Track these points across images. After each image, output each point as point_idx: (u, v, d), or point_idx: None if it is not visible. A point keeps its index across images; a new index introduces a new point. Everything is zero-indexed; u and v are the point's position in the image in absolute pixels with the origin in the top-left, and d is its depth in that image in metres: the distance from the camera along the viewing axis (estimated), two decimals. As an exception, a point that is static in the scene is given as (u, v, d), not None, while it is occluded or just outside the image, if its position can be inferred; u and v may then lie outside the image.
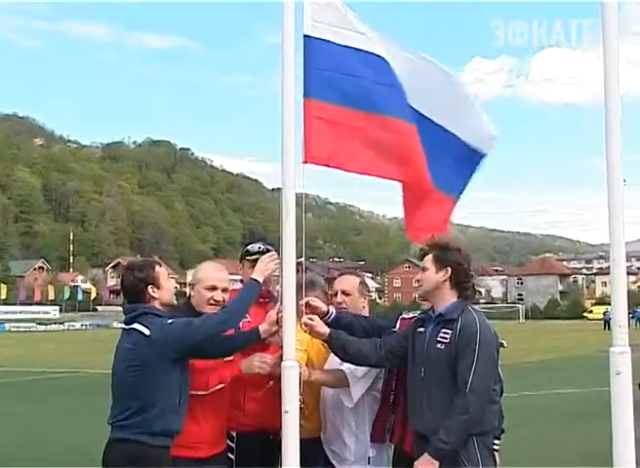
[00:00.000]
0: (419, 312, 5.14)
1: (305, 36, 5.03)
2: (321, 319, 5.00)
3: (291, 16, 4.82)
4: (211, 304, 4.92)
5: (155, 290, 4.65)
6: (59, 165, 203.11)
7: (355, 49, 5.25)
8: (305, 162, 4.77)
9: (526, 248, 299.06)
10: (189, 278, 5.16)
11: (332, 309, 5.14)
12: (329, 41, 5.15)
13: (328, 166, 4.95)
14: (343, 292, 5.50)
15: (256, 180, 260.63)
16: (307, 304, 4.97)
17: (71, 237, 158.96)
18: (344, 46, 5.20)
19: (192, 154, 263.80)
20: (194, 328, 4.51)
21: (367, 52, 5.28)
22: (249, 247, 5.45)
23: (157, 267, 4.74)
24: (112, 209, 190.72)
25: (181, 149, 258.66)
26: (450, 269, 4.65)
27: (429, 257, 4.73)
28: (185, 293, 5.03)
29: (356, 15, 5.26)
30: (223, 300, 4.94)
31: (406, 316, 5.28)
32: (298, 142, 4.68)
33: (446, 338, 4.51)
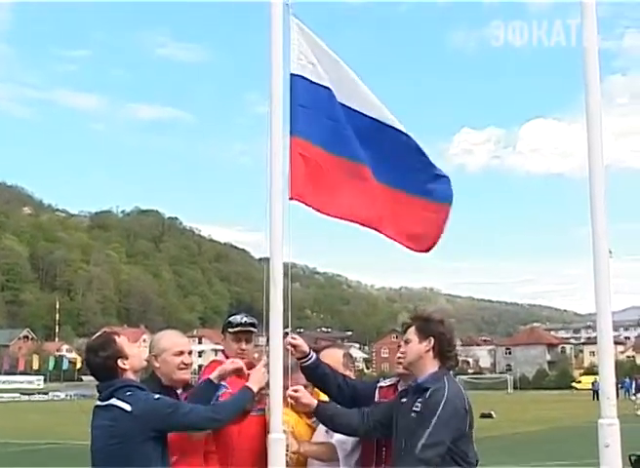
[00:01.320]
0: (394, 379, 5.14)
1: (292, 74, 5.21)
2: (300, 359, 4.99)
3: (279, 84, 4.91)
4: (181, 368, 4.89)
5: (124, 361, 4.53)
6: (46, 234, 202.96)
7: (332, 92, 5.43)
8: (291, 199, 4.87)
9: (514, 318, 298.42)
10: (149, 350, 5.10)
11: (312, 353, 5.12)
12: (312, 81, 5.33)
13: (310, 206, 5.04)
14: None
15: (243, 250, 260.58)
16: (289, 342, 4.94)
17: (57, 306, 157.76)
18: (325, 87, 5.39)
19: (180, 223, 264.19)
20: (181, 414, 4.42)
21: (341, 104, 5.46)
22: (231, 318, 5.42)
23: (117, 338, 4.62)
24: (99, 278, 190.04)
25: (170, 218, 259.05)
26: (433, 339, 4.66)
27: (412, 329, 4.74)
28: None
29: (337, 60, 5.44)
30: (191, 363, 4.95)
31: (383, 384, 5.26)
32: (285, 213, 4.70)
33: (418, 407, 4.50)
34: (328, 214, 5.21)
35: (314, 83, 5.32)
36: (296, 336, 5.06)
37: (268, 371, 4.64)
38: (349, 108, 5.49)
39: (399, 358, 4.91)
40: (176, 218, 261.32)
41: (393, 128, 5.59)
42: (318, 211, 5.14)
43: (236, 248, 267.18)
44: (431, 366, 4.65)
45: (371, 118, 5.53)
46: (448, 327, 4.80)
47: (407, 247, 5.55)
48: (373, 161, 5.46)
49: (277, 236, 4.63)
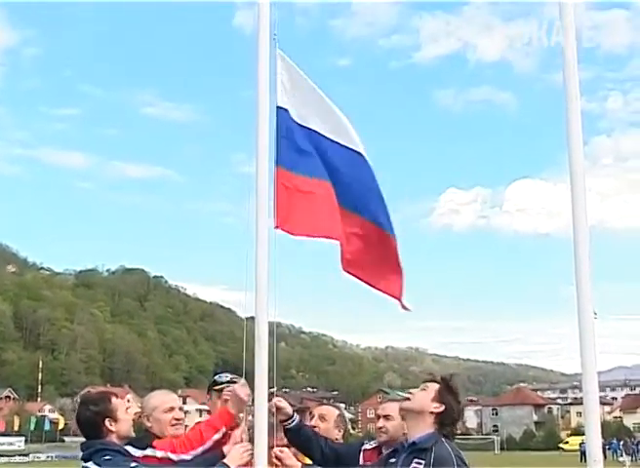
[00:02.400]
0: (377, 442, 5.13)
1: (278, 107, 5.41)
2: (283, 422, 5.00)
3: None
4: (173, 424, 4.95)
5: (112, 423, 4.51)
6: (30, 292, 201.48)
7: (315, 132, 5.62)
8: (277, 228, 4.99)
9: (500, 377, 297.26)
10: (140, 410, 5.14)
11: (296, 416, 5.10)
12: (293, 119, 5.52)
13: (295, 234, 5.18)
14: (321, 417, 5.55)
15: (229, 309, 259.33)
16: (275, 404, 4.95)
17: (40, 365, 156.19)
18: (307, 127, 5.58)
19: (166, 282, 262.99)
20: None
21: (323, 136, 5.64)
22: (217, 377, 5.51)
23: (114, 399, 4.62)
24: (84, 337, 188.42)
25: (155, 277, 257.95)
26: (444, 407, 4.61)
27: (435, 385, 4.69)
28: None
29: (322, 95, 5.62)
30: (183, 418, 5.03)
31: (368, 446, 5.23)
32: (271, 272, 4.70)
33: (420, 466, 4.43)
34: (311, 236, 5.36)
35: (296, 122, 5.53)
36: (281, 399, 5.07)
37: (253, 433, 4.60)
38: (328, 139, 5.68)
39: (402, 407, 4.82)
40: (161, 277, 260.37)
41: (356, 151, 5.76)
42: (303, 235, 5.29)
43: (222, 307, 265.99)
44: (427, 427, 4.59)
45: (348, 149, 5.71)
46: (461, 409, 4.77)
47: (358, 278, 5.66)
48: (339, 186, 5.63)
49: (262, 296, 4.63)
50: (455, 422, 4.71)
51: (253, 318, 4.67)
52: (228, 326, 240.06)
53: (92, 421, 4.50)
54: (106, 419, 4.50)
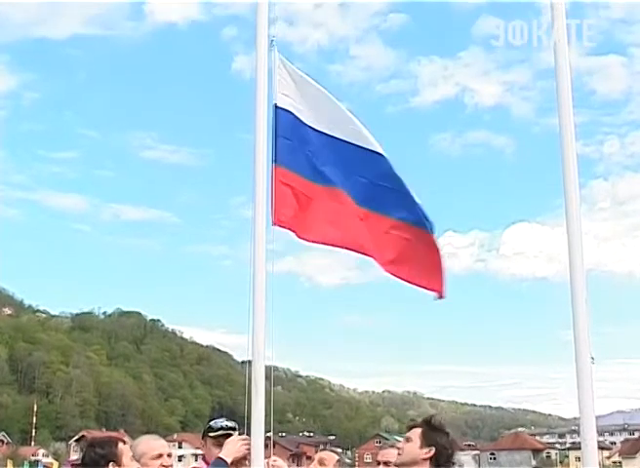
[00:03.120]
0: None
1: (275, 106, 5.45)
2: None
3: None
4: None
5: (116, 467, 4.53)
6: (26, 335, 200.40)
7: (313, 129, 5.66)
8: (274, 224, 5.00)
9: (498, 422, 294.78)
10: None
11: None
12: (294, 115, 5.57)
13: (292, 231, 5.21)
14: (320, 462, 5.64)
15: (226, 353, 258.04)
16: (271, 465, 4.93)
17: (35, 409, 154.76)
18: (305, 124, 5.62)
19: (162, 325, 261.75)
20: None
21: (323, 133, 5.67)
22: (212, 423, 5.49)
23: (121, 444, 4.65)
24: (79, 380, 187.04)
25: (152, 320, 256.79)
26: (434, 449, 4.58)
27: (417, 431, 4.67)
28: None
29: (323, 90, 5.66)
30: (171, 465, 5.00)
31: None
32: (269, 316, 4.71)
33: None
34: (309, 240, 5.39)
35: (297, 118, 5.60)
36: (276, 458, 5.07)
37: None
38: (332, 137, 5.71)
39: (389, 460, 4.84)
40: (158, 320, 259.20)
41: (374, 152, 5.78)
42: (300, 237, 5.32)
43: (219, 350, 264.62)
44: None
45: (353, 145, 5.73)
46: (452, 442, 4.73)
47: (399, 277, 5.65)
48: (353, 186, 5.64)
49: (260, 339, 4.62)
50: (450, 457, 4.67)
51: (249, 361, 4.65)
52: (225, 369, 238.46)
53: (96, 463, 4.54)
54: (110, 463, 4.53)
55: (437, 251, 5.72)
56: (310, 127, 5.69)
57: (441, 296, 5.54)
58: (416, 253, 5.61)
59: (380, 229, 5.60)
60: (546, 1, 5.53)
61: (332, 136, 5.71)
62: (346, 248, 5.62)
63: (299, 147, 5.54)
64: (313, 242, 5.54)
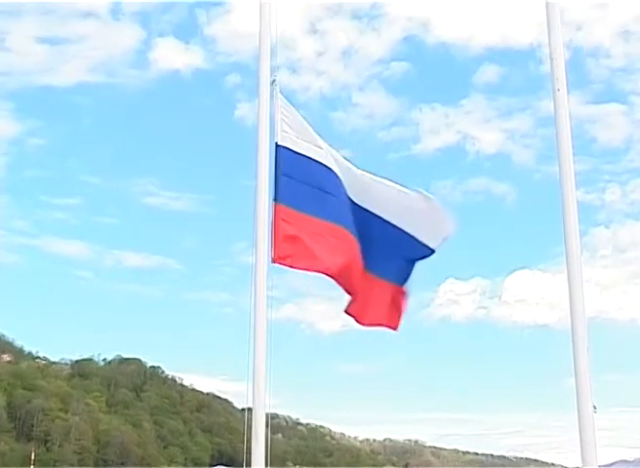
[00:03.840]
0: None
1: (277, 144, 5.56)
2: None
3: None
4: None
5: None
6: (25, 382, 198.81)
7: (315, 161, 5.76)
8: (274, 261, 5.04)
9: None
10: None
11: None
12: (295, 151, 5.67)
13: (292, 267, 5.27)
14: None
15: (226, 400, 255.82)
16: None
17: (33, 457, 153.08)
18: (307, 156, 5.71)
19: (163, 372, 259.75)
20: None
21: (323, 165, 5.77)
22: None
23: None
24: (78, 428, 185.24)
25: (152, 367, 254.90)
26: None
27: None
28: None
29: (317, 133, 5.79)
30: None
31: None
32: (269, 363, 4.68)
33: None
34: (309, 270, 5.46)
35: (298, 153, 5.69)
36: None
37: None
38: (326, 167, 5.83)
39: None
40: (158, 367, 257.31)
41: (367, 210, 5.91)
42: (299, 269, 5.38)
43: (219, 397, 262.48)
44: None
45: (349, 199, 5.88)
46: None
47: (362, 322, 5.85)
48: (352, 224, 5.77)
49: (260, 387, 4.59)
50: None
51: (250, 409, 4.62)
52: (225, 417, 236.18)
53: None
54: None
55: (400, 295, 6.01)
56: (310, 158, 5.81)
57: (395, 329, 5.97)
58: (377, 299, 5.85)
59: (361, 278, 5.77)
60: (547, 51, 5.58)
61: (329, 168, 5.83)
62: (335, 279, 5.76)
63: (299, 183, 5.65)
64: (307, 270, 5.64)
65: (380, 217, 6.05)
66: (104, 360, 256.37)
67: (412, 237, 6.12)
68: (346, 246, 5.75)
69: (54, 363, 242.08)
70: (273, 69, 5.68)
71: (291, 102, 5.59)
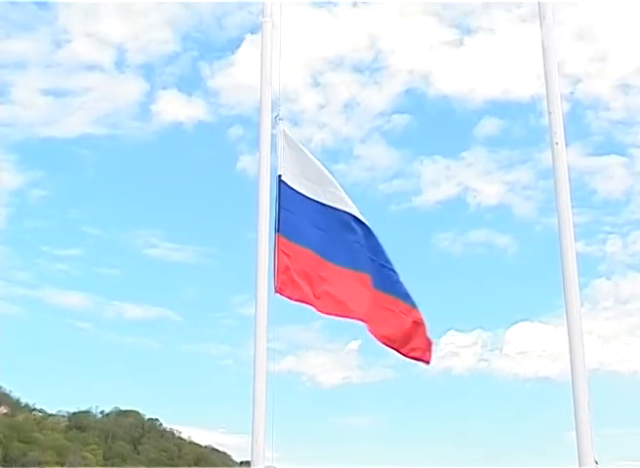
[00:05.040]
0: None
1: (279, 177, 5.61)
2: None
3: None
4: None
5: None
6: (21, 434, 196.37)
7: (321, 204, 5.78)
8: (276, 292, 5.08)
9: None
10: None
11: None
12: (298, 192, 5.71)
13: (292, 299, 5.28)
14: None
15: (224, 453, 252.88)
16: None
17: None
18: (312, 199, 5.74)
19: (160, 425, 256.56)
20: None
21: (332, 207, 5.80)
22: None
23: None
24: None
25: (150, 419, 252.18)
26: None
27: None
28: None
29: (325, 170, 5.80)
30: None
31: None
32: (269, 416, 4.65)
33: None
34: (308, 304, 5.47)
35: (298, 192, 5.74)
36: None
37: None
38: (332, 208, 5.86)
39: None
40: (156, 420, 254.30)
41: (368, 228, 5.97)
42: (297, 301, 5.40)
43: (217, 450, 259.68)
44: None
45: (350, 214, 5.93)
46: None
47: (396, 350, 5.88)
48: (353, 262, 5.80)
49: (259, 440, 4.56)
50: None
51: (249, 462, 4.58)
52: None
53: None
54: None
55: (422, 324, 6.04)
56: (310, 199, 5.88)
57: (428, 362, 5.97)
58: (405, 327, 5.87)
59: (379, 304, 5.78)
60: (546, 104, 5.64)
61: (331, 207, 5.91)
62: (340, 316, 5.80)
63: (302, 222, 5.74)
64: (304, 302, 5.68)
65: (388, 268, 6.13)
66: (102, 412, 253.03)
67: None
68: (345, 284, 5.80)
69: (50, 415, 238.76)
70: (274, 122, 5.75)
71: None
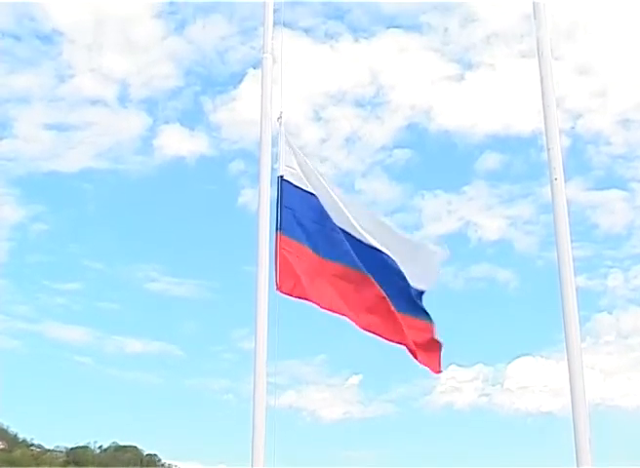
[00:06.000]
0: None
1: (280, 177, 5.69)
2: None
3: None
4: None
5: None
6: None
7: (315, 197, 5.87)
8: (277, 290, 5.10)
9: None
10: None
11: None
12: (298, 187, 5.80)
13: (295, 296, 5.32)
14: None
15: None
16: None
17: None
18: (311, 193, 5.83)
19: (159, 460, 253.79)
20: None
21: (322, 203, 5.88)
22: None
23: None
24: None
25: (148, 455, 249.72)
26: None
27: None
28: None
29: (322, 174, 5.90)
30: None
31: None
32: (269, 451, 4.63)
33: None
34: (311, 301, 5.52)
35: (300, 188, 5.82)
36: None
37: None
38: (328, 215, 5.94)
39: None
40: (155, 455, 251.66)
41: (367, 245, 6.01)
42: (304, 299, 5.43)
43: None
44: None
45: (348, 234, 5.97)
46: None
47: (410, 350, 5.94)
48: (352, 260, 5.85)
49: (259, 475, 4.53)
50: None
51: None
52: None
53: None
54: None
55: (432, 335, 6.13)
56: (311, 193, 5.99)
57: (438, 372, 6.04)
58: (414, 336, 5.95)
59: (389, 311, 5.86)
60: (545, 141, 5.67)
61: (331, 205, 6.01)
62: (342, 314, 5.86)
63: (302, 218, 5.81)
64: (317, 306, 5.74)
65: (383, 253, 6.20)
66: (100, 447, 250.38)
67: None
68: (350, 284, 5.88)
69: (48, 450, 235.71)
70: (274, 157, 5.81)
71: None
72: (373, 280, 6.06)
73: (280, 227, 5.57)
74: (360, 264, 6.07)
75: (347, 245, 6.07)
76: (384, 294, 6.05)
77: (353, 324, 5.90)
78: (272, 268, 5.45)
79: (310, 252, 5.83)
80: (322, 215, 6.05)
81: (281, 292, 5.30)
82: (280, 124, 5.91)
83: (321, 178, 6.24)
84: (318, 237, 5.93)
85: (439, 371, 6.07)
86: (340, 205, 6.16)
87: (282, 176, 5.89)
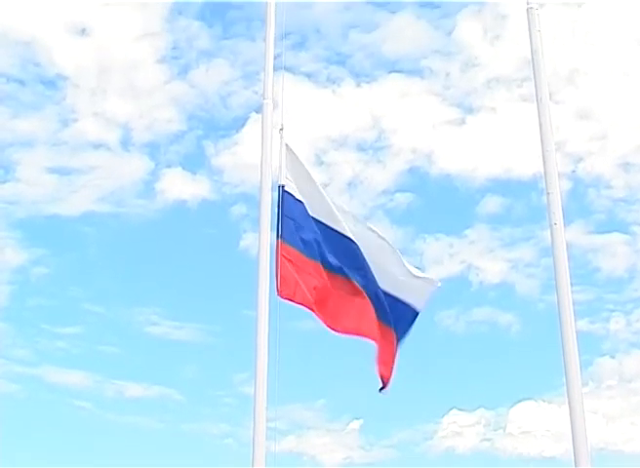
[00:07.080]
0: None
1: (281, 187, 5.76)
2: None
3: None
4: None
5: None
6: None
7: (317, 221, 5.92)
8: (279, 295, 5.14)
9: None
10: None
11: None
12: (300, 200, 5.86)
13: (297, 303, 5.36)
14: None
15: None
16: None
17: None
18: (311, 216, 5.89)
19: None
20: None
21: (328, 226, 5.94)
22: None
23: None
24: None
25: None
26: None
27: None
28: None
29: (323, 191, 5.95)
30: None
31: None
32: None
33: None
34: (310, 309, 5.56)
35: (297, 199, 5.90)
36: None
37: None
38: (324, 224, 5.99)
39: None
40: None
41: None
42: (306, 307, 5.49)
43: None
44: None
45: (344, 235, 6.02)
46: None
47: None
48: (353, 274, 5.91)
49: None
50: None
51: None
52: None
53: None
54: None
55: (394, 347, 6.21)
56: (310, 216, 6.06)
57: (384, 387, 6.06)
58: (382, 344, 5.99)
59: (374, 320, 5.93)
60: (544, 185, 5.70)
61: (326, 225, 6.07)
62: (349, 333, 5.95)
63: (303, 230, 5.90)
64: (307, 307, 5.80)
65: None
66: None
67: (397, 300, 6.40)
68: (343, 294, 5.96)
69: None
70: (274, 202, 5.87)
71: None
72: (364, 292, 6.17)
73: (280, 236, 5.71)
74: (358, 277, 6.18)
75: (341, 254, 6.19)
76: (373, 306, 6.16)
77: (342, 332, 6.03)
78: (271, 313, 5.45)
79: (308, 259, 5.95)
80: (319, 225, 6.19)
81: (282, 297, 5.39)
82: (281, 136, 6.08)
83: (320, 188, 6.37)
84: (316, 246, 6.05)
85: (386, 386, 6.12)
86: (334, 210, 6.29)
87: (283, 186, 6.06)
